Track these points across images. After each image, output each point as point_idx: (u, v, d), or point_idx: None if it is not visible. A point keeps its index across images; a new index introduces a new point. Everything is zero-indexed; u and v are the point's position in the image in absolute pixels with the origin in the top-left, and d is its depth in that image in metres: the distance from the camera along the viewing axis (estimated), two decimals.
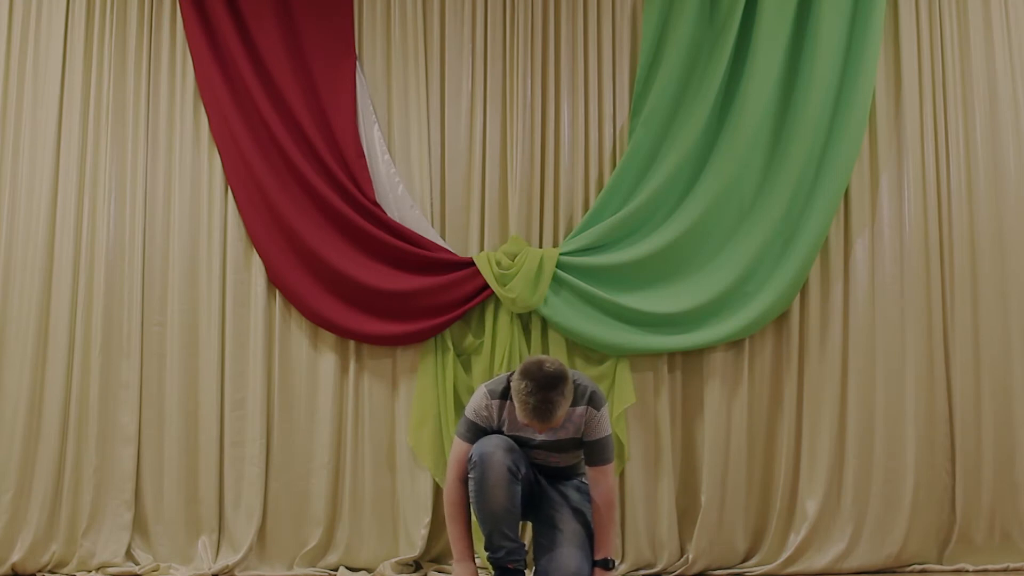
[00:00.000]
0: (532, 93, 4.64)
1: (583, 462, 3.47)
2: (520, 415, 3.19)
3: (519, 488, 3.30)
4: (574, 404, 3.30)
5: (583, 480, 3.54)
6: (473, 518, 3.36)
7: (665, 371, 4.51)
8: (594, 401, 3.34)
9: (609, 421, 3.39)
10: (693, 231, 4.50)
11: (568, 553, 3.30)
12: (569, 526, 3.37)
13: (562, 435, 3.35)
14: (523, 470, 3.32)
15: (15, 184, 4.49)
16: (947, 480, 4.52)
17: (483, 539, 3.33)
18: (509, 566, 3.30)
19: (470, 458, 3.29)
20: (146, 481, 4.43)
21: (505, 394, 3.32)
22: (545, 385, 3.13)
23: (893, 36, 4.68)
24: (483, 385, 3.41)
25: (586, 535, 3.38)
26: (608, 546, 3.35)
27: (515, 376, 3.20)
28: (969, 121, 4.65)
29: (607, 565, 3.34)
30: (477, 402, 3.37)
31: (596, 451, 3.36)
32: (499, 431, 3.37)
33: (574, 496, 3.48)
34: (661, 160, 4.55)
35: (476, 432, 3.35)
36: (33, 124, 4.52)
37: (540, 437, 3.35)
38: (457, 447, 3.36)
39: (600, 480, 3.35)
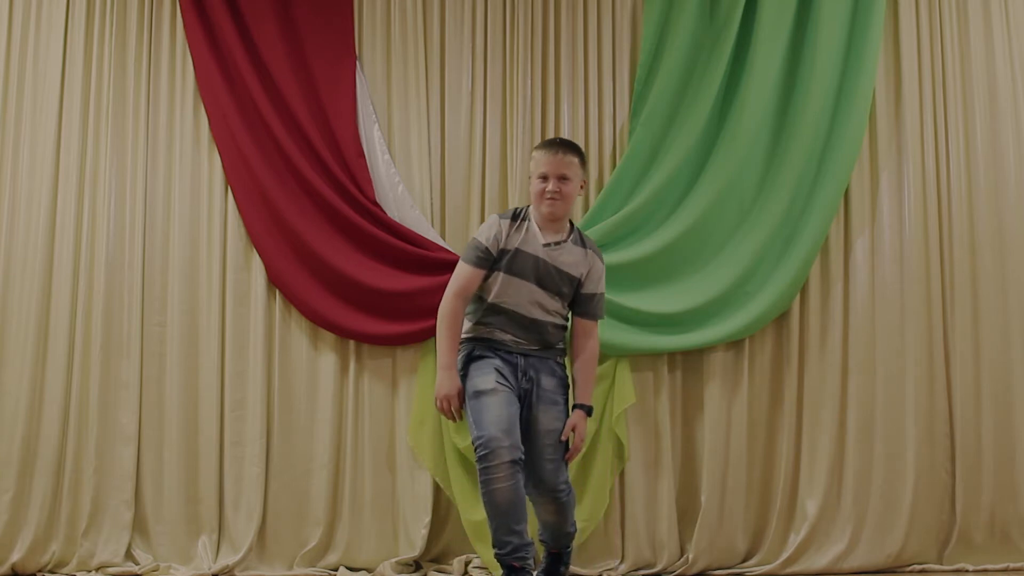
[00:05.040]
0: (532, 93, 4.64)
1: (562, 339, 3.53)
2: (541, 151, 3.45)
3: (522, 477, 3.30)
4: (584, 245, 3.51)
5: (558, 360, 3.55)
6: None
7: (665, 371, 4.51)
8: (599, 253, 3.55)
9: (604, 281, 3.56)
10: (693, 231, 4.50)
11: (546, 458, 3.40)
12: (550, 438, 3.43)
13: (568, 263, 3.45)
14: (522, 454, 3.34)
15: (15, 184, 4.48)
16: (947, 480, 4.53)
17: (490, 537, 3.34)
18: (515, 564, 3.29)
19: (479, 439, 3.27)
20: (146, 481, 4.43)
21: (516, 216, 3.47)
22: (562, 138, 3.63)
23: (893, 36, 4.69)
24: (494, 215, 3.55)
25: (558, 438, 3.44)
26: (589, 394, 3.51)
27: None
28: (969, 121, 4.66)
29: (589, 412, 3.50)
30: (488, 225, 3.46)
31: (593, 304, 3.52)
32: (506, 250, 3.42)
33: (551, 390, 3.51)
34: (661, 160, 4.55)
35: (484, 256, 3.41)
36: (33, 124, 4.51)
37: (546, 256, 3.42)
38: (462, 270, 3.44)
39: (591, 332, 3.53)
